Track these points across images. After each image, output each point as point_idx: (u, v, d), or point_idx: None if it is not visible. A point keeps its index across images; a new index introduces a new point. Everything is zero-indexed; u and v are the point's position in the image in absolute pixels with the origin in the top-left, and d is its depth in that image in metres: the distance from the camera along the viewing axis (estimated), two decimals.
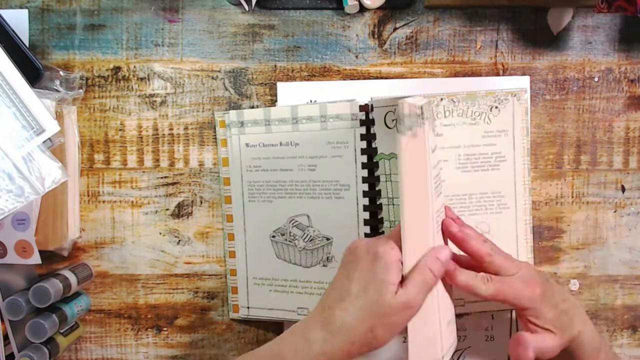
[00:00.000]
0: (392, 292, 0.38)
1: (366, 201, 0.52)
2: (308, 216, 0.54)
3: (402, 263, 0.40)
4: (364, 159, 0.51)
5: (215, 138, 0.58)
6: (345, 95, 0.56)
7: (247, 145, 0.56)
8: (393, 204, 0.50)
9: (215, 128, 0.58)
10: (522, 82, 0.57)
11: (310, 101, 0.56)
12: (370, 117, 0.51)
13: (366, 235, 0.52)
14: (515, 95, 0.53)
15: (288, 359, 0.40)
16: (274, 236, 0.56)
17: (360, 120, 0.51)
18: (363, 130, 0.51)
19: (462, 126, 0.53)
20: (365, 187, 0.52)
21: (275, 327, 0.59)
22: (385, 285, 0.38)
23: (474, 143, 0.53)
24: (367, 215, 0.52)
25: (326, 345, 0.39)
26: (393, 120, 0.49)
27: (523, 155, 0.54)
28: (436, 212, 0.42)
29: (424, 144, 0.40)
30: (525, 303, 0.43)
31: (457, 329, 0.57)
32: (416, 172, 0.40)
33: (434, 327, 0.42)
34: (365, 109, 0.51)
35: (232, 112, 0.56)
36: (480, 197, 0.54)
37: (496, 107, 0.53)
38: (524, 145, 0.54)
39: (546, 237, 0.58)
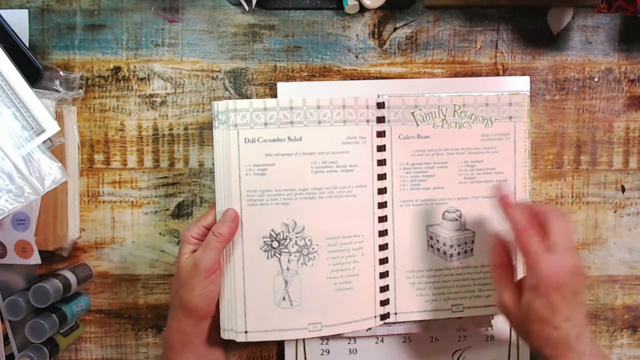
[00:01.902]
0: (184, 258, 0.49)
1: (380, 199, 0.53)
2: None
3: (196, 238, 0.49)
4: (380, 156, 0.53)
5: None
6: (345, 95, 0.56)
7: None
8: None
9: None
10: (522, 82, 0.57)
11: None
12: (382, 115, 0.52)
13: (380, 233, 0.53)
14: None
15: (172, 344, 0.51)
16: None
17: (377, 117, 0.52)
18: (380, 127, 0.52)
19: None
20: (380, 184, 0.53)
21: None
22: (179, 256, 0.49)
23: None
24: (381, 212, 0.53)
25: (169, 322, 0.50)
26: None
27: (524, 157, 0.54)
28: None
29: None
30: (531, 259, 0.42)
31: (457, 329, 0.57)
32: (224, 159, 0.49)
33: (232, 295, 0.49)
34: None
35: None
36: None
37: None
38: (525, 148, 0.54)
39: None
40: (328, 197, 0.50)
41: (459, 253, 0.54)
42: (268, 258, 0.50)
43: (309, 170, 0.50)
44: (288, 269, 0.50)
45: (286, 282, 0.50)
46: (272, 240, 0.50)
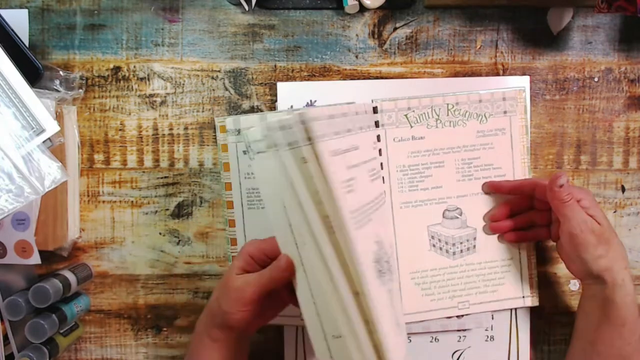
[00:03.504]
0: (234, 273, 0.47)
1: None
2: None
3: (252, 257, 0.47)
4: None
5: (216, 139, 0.58)
6: (345, 95, 0.56)
7: (244, 152, 0.55)
8: None
9: (215, 132, 0.58)
10: (522, 82, 0.57)
11: (309, 102, 0.56)
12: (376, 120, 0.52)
13: None
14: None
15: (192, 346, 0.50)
16: None
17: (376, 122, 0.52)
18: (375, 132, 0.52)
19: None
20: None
21: (275, 327, 0.59)
22: (232, 267, 0.48)
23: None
24: None
25: (201, 320, 0.49)
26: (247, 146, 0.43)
27: (523, 153, 0.54)
28: (351, 212, 0.40)
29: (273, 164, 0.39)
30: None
31: (457, 329, 0.57)
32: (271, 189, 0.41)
33: (311, 330, 0.42)
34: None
35: (229, 119, 0.54)
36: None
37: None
38: (524, 144, 0.55)
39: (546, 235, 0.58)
40: None
41: (461, 250, 0.54)
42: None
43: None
44: None
45: None
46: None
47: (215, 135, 0.58)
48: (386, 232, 0.47)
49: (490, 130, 0.54)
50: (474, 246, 0.55)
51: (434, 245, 0.54)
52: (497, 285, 0.55)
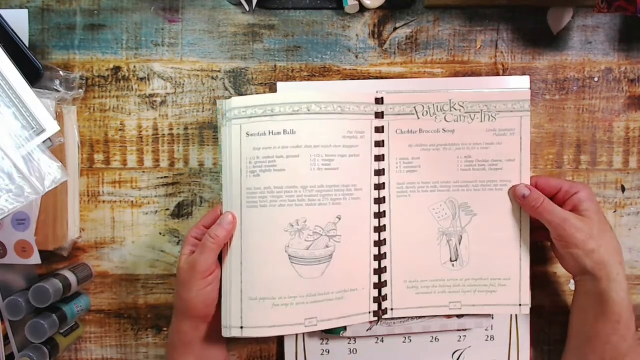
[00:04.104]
0: (183, 259, 0.49)
1: (377, 194, 0.53)
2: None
3: (196, 238, 0.50)
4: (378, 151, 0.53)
5: (217, 137, 0.58)
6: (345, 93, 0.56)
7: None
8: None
9: (217, 117, 0.58)
10: (522, 82, 0.57)
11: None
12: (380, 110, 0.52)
13: (375, 228, 0.53)
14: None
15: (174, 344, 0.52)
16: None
17: (376, 113, 0.52)
18: (378, 122, 0.52)
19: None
20: (377, 180, 0.53)
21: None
22: (180, 257, 0.50)
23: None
24: (376, 209, 0.53)
25: (171, 324, 0.51)
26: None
27: (529, 155, 0.53)
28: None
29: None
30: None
31: (457, 329, 0.57)
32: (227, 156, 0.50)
33: (226, 296, 0.50)
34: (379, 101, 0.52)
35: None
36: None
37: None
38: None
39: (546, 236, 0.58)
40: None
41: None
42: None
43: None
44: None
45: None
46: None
47: (215, 135, 0.58)
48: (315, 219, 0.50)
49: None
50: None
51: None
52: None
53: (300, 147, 0.49)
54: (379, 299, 0.53)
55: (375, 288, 0.53)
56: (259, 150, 0.49)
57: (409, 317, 0.55)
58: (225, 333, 0.50)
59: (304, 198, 0.50)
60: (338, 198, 0.51)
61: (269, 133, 0.49)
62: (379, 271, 0.53)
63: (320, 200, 0.50)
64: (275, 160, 0.49)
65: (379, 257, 0.53)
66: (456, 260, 0.54)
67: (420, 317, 0.55)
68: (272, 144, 0.49)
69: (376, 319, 0.53)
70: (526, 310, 0.54)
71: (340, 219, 0.51)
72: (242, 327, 0.50)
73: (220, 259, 0.51)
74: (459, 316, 0.55)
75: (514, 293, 0.53)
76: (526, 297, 0.54)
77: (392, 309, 0.54)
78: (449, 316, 0.55)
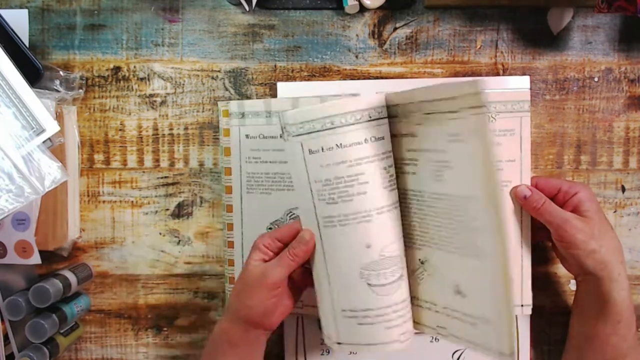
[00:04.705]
0: (253, 265, 0.48)
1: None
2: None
3: (267, 247, 0.48)
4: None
5: (217, 137, 0.58)
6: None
7: (247, 136, 0.56)
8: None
9: (218, 118, 0.58)
10: (522, 82, 0.57)
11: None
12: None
13: None
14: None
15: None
16: (270, 228, 0.56)
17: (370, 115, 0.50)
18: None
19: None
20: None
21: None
22: (249, 261, 0.48)
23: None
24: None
25: (220, 322, 0.49)
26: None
27: (529, 156, 0.53)
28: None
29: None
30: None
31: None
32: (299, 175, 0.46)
33: (322, 309, 0.48)
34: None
35: (233, 103, 0.55)
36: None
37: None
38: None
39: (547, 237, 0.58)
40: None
41: None
42: None
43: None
44: None
45: None
46: None
47: (215, 135, 0.58)
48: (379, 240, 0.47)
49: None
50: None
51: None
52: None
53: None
54: None
55: None
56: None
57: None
58: (327, 341, 0.49)
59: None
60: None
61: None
62: None
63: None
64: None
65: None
66: None
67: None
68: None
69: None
70: (528, 310, 0.54)
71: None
72: (339, 343, 0.48)
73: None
74: None
75: (516, 294, 0.53)
76: (528, 298, 0.54)
77: None
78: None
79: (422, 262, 0.49)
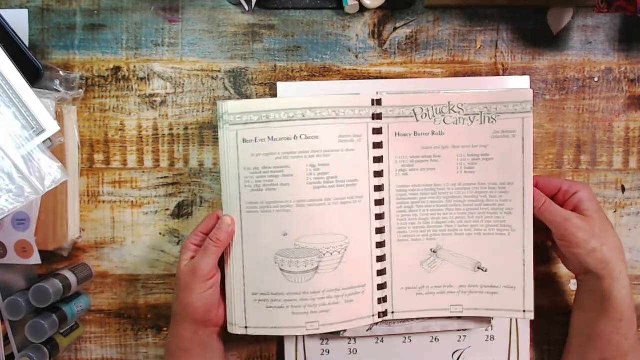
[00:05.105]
0: (183, 265, 0.50)
1: (378, 196, 0.52)
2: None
3: (195, 244, 0.51)
4: (376, 153, 0.52)
5: (217, 137, 0.58)
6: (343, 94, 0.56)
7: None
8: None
9: (217, 121, 0.58)
10: (522, 82, 0.57)
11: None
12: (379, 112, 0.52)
13: (377, 230, 0.53)
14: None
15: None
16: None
17: (373, 114, 0.52)
18: (376, 124, 0.52)
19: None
20: (377, 181, 0.52)
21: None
22: (179, 263, 0.51)
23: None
24: (379, 210, 0.53)
25: (169, 330, 0.52)
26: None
27: (531, 156, 0.53)
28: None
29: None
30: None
31: (457, 329, 0.57)
32: (228, 163, 0.51)
33: (230, 294, 0.52)
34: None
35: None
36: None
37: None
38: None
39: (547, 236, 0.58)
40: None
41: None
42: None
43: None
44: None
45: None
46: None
47: (215, 135, 0.58)
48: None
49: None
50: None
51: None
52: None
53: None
54: (383, 300, 0.53)
55: (378, 289, 0.53)
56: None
57: (409, 318, 0.55)
58: (231, 329, 0.52)
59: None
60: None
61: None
62: (381, 272, 0.53)
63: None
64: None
65: (380, 259, 0.53)
66: None
67: (420, 318, 0.55)
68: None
69: (380, 320, 0.53)
70: (530, 316, 0.52)
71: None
72: (246, 327, 0.52)
73: (221, 262, 0.52)
74: (460, 317, 0.55)
75: (518, 299, 0.53)
76: (530, 304, 0.52)
77: (392, 312, 0.54)
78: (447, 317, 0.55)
79: (434, 252, 0.54)
